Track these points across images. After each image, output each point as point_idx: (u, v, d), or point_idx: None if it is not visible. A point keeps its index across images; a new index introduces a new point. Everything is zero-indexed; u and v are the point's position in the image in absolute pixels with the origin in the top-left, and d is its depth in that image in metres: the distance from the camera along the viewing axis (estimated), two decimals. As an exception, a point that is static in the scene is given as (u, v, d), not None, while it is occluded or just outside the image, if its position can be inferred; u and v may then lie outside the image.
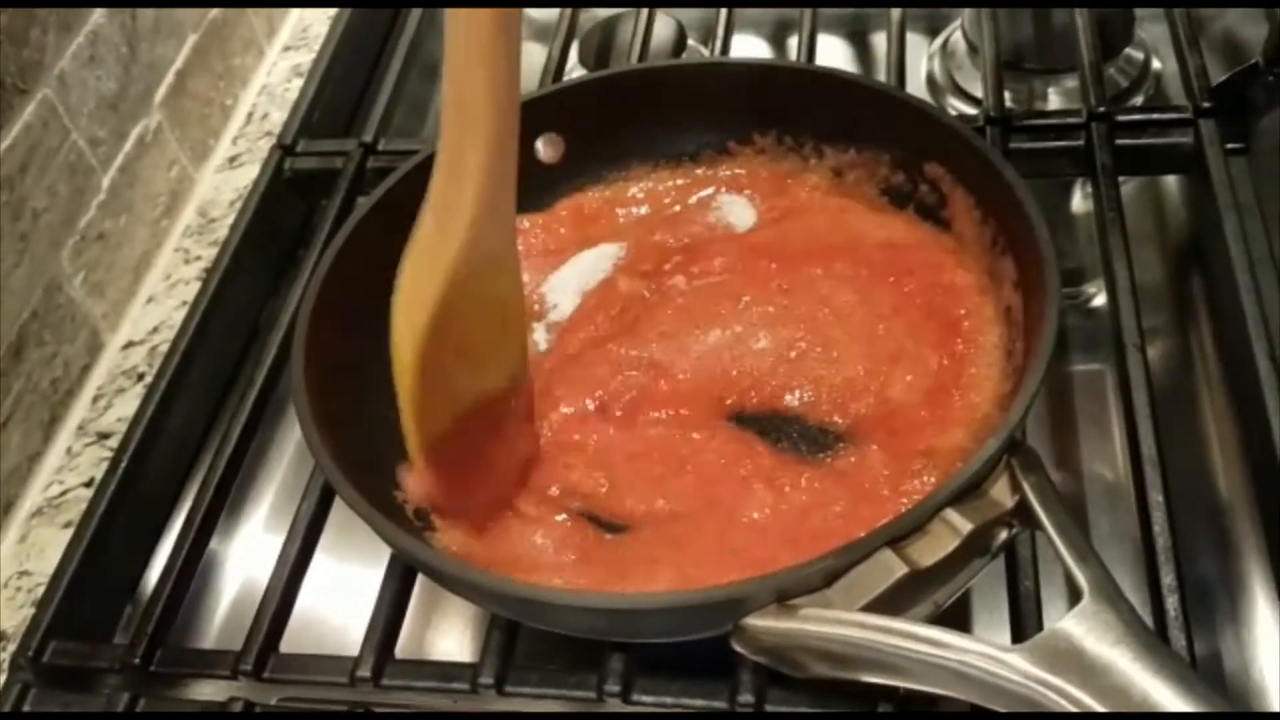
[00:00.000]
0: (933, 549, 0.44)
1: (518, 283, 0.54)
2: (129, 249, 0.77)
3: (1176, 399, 0.65)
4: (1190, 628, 0.50)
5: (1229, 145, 0.68)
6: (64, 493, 0.69)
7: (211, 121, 0.86)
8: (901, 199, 0.64)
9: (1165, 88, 0.81)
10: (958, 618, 0.47)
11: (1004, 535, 0.46)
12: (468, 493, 0.54)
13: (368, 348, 0.60)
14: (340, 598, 0.63)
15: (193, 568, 0.59)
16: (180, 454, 0.69)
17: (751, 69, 0.69)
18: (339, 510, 0.60)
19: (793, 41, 0.82)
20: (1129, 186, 0.72)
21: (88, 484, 0.69)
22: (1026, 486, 0.45)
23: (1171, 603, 0.50)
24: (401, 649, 0.55)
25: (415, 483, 0.54)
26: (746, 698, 0.49)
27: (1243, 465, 0.62)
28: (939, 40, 0.87)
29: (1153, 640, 0.39)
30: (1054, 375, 0.68)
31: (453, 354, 0.50)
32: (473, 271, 0.49)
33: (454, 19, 0.44)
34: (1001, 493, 0.46)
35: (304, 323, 0.56)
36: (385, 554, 0.56)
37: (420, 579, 0.56)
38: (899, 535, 0.44)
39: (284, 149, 0.77)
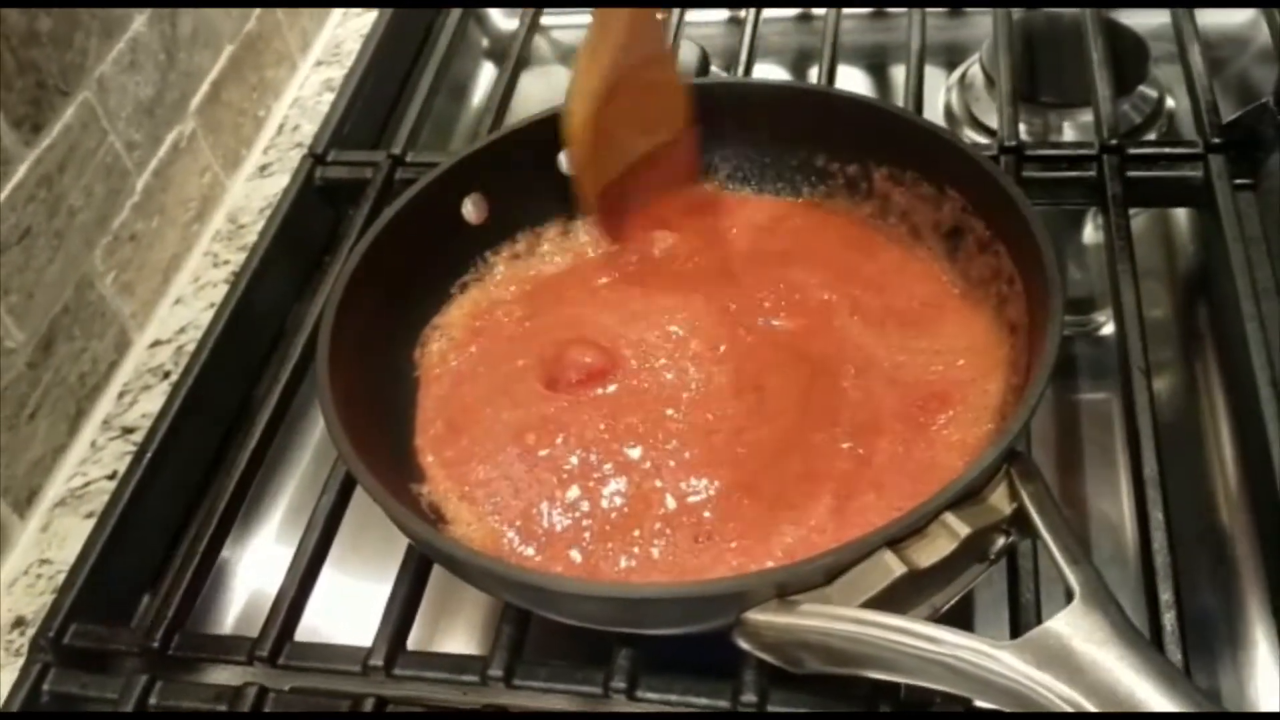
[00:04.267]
0: (931, 551, 0.45)
1: (671, 71, 0.69)
2: (159, 250, 0.79)
3: (1181, 432, 0.66)
4: (1186, 643, 0.51)
5: (1237, 181, 0.69)
6: (87, 484, 0.71)
7: (244, 131, 0.88)
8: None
9: (1178, 125, 0.82)
10: (959, 623, 0.47)
11: (1001, 542, 0.47)
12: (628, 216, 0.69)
13: (389, 348, 0.63)
14: (354, 596, 0.64)
15: (213, 557, 0.61)
16: (203, 450, 0.71)
17: (769, 89, 0.71)
18: (353, 513, 0.61)
19: (813, 71, 0.84)
20: (1138, 221, 0.73)
21: (110, 476, 0.70)
22: (1024, 494, 0.46)
23: (1169, 619, 0.51)
24: (413, 645, 0.56)
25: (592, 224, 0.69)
26: (749, 697, 0.51)
27: (1245, 498, 0.63)
28: (957, 73, 0.89)
29: (1140, 640, 0.40)
30: (1061, 404, 0.69)
31: (624, 123, 0.65)
32: (630, 63, 0.63)
33: None
34: (1000, 500, 0.47)
35: (330, 316, 0.57)
36: (398, 556, 0.58)
37: (433, 575, 0.57)
38: (898, 536, 0.45)
39: (315, 158, 0.80)
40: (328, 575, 0.62)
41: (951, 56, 0.91)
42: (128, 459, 0.67)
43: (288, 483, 0.72)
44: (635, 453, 0.57)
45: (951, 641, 0.41)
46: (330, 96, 0.89)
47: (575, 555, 0.54)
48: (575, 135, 0.64)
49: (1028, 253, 0.55)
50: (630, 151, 0.68)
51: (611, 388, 0.61)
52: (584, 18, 0.66)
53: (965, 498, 0.46)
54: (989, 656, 0.40)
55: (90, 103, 0.72)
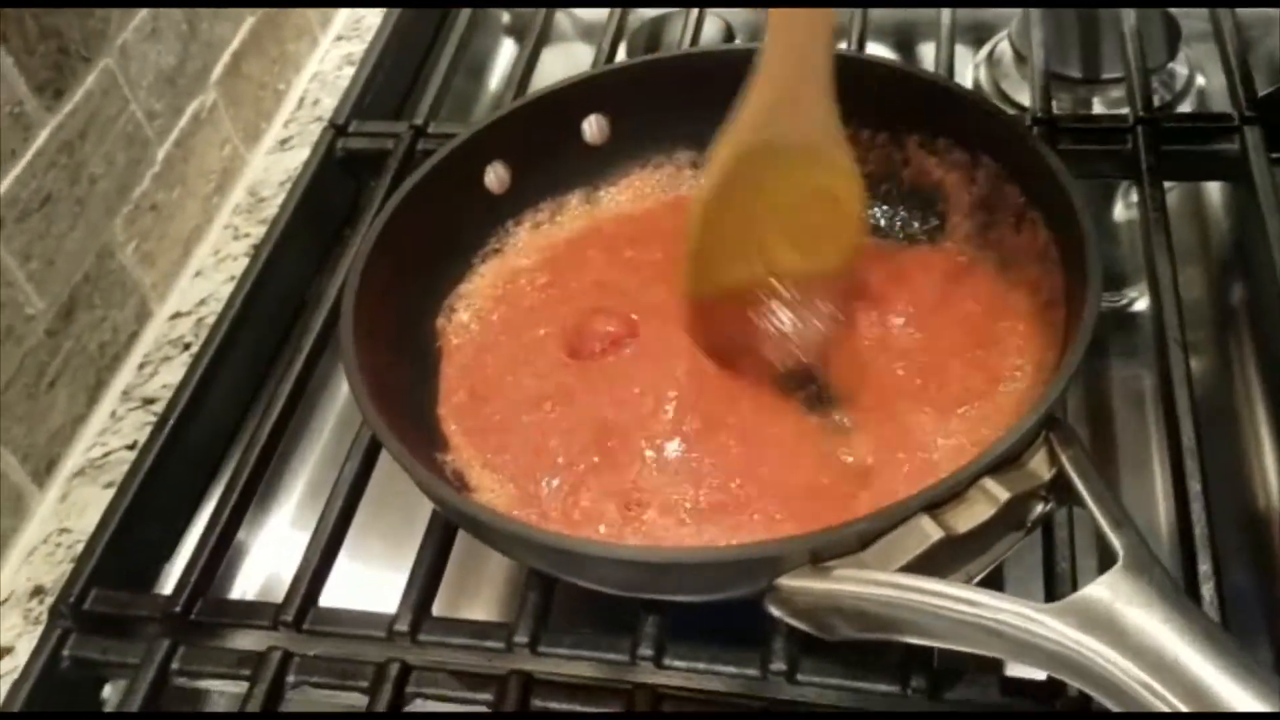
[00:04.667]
0: (969, 516, 0.44)
1: (847, 180, 0.57)
2: (180, 222, 0.79)
3: (1217, 415, 0.65)
4: (1226, 617, 0.50)
5: (1273, 155, 0.68)
6: (106, 454, 0.70)
7: (264, 104, 0.88)
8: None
9: (1208, 104, 0.81)
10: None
11: (1039, 509, 0.46)
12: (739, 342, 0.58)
13: (411, 318, 0.62)
14: (378, 569, 0.63)
15: (236, 523, 0.60)
16: (224, 421, 0.70)
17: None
18: (376, 489, 0.61)
19: (842, 45, 0.83)
20: (1172, 198, 0.72)
21: (130, 447, 0.70)
22: (1064, 459, 0.45)
23: (1207, 589, 0.50)
24: (438, 612, 0.56)
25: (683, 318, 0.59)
26: (779, 665, 0.50)
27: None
28: (985, 49, 0.88)
29: (1186, 604, 0.39)
30: (1092, 381, 0.69)
31: (764, 222, 0.56)
32: (775, 152, 0.54)
33: None
34: (1039, 465, 0.46)
35: (353, 284, 0.57)
36: (420, 531, 0.57)
37: (458, 542, 0.57)
38: (937, 501, 0.44)
39: (336, 129, 0.79)
40: (351, 549, 0.61)
41: (979, 34, 0.90)
42: (148, 430, 0.67)
43: (308, 459, 0.72)
44: (662, 418, 0.56)
45: (993, 605, 0.40)
46: (350, 71, 0.88)
47: (601, 528, 0.54)
48: (694, 208, 0.56)
49: (1062, 217, 0.54)
50: (763, 264, 0.57)
51: (630, 351, 0.60)
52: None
53: (1004, 463, 0.46)
54: (1032, 619, 0.39)
55: (111, 70, 0.72)
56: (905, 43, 0.92)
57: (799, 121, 0.54)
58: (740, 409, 0.57)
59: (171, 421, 0.65)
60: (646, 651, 0.51)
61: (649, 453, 0.56)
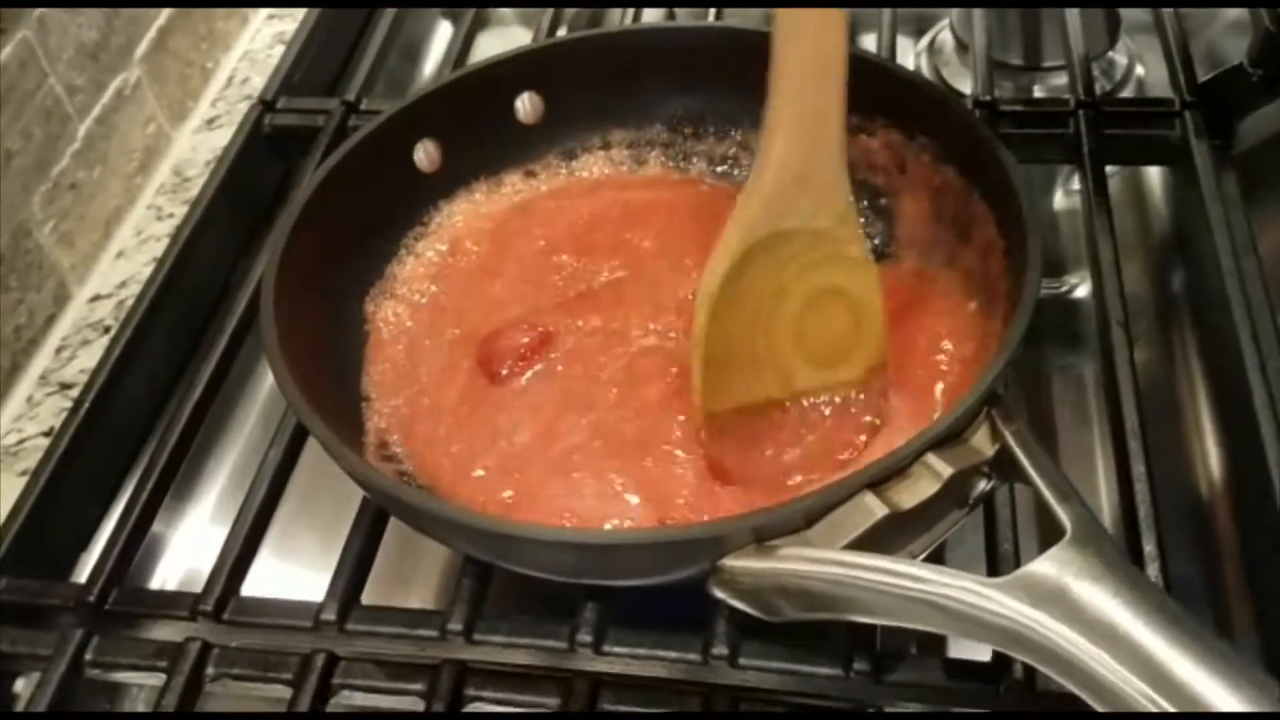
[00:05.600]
0: (913, 492, 0.43)
1: (863, 275, 0.51)
2: (101, 201, 0.76)
3: (1159, 404, 0.64)
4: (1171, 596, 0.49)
5: (1213, 142, 0.68)
6: (21, 441, 0.67)
7: (191, 82, 0.85)
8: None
9: (1148, 91, 0.81)
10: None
11: (982, 485, 0.45)
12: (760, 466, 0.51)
13: (338, 298, 0.60)
14: (304, 560, 0.62)
15: (153, 511, 0.57)
16: (143, 406, 0.67)
17: (730, 32, 0.68)
18: (304, 478, 0.59)
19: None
20: (1113, 187, 0.72)
21: (47, 433, 0.67)
22: (1007, 434, 0.44)
23: (1152, 570, 0.50)
24: (369, 602, 0.53)
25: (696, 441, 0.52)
26: (721, 650, 0.48)
27: (1225, 470, 0.61)
28: (926, 38, 0.87)
29: (1136, 575, 0.38)
30: (1033, 368, 0.68)
31: (776, 330, 0.50)
32: (783, 241, 0.48)
33: None
34: (982, 441, 0.45)
35: (274, 262, 0.54)
36: (349, 521, 0.55)
37: (394, 529, 0.55)
38: (880, 478, 0.43)
39: (264, 104, 0.76)
40: (280, 538, 0.60)
41: (920, 24, 0.90)
42: (65, 415, 0.64)
43: (233, 445, 0.69)
44: (594, 401, 0.55)
45: (941, 580, 0.39)
46: (282, 49, 0.86)
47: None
48: (697, 314, 0.49)
49: (1001, 191, 0.53)
50: (778, 381, 0.51)
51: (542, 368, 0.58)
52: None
53: (947, 439, 0.45)
54: (981, 594, 0.38)
55: (30, 41, 0.69)
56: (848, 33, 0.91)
57: (817, 201, 0.48)
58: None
59: (86, 406, 0.62)
60: (586, 638, 0.49)
61: (587, 433, 0.54)
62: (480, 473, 0.54)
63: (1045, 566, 0.39)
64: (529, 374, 0.58)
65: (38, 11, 0.69)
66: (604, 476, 0.52)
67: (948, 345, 0.55)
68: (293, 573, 0.62)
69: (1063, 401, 0.67)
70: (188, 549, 0.65)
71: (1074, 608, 0.37)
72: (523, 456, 0.54)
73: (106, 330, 0.72)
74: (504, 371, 0.57)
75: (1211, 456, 0.63)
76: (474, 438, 0.55)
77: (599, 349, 0.58)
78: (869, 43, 0.88)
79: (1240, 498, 0.59)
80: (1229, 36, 0.85)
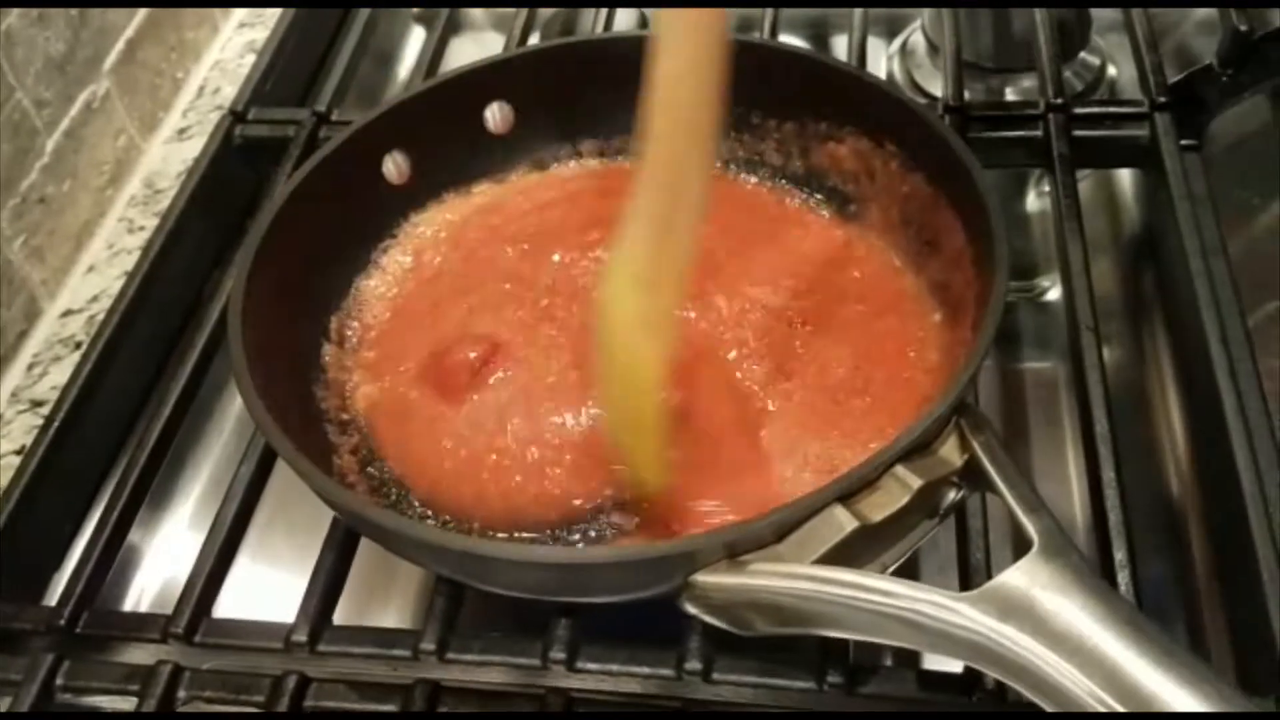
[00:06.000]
0: (883, 504, 0.43)
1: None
2: (71, 215, 0.75)
3: (1130, 405, 0.65)
4: (1142, 605, 0.49)
5: (1183, 142, 0.68)
6: (-8, 460, 0.67)
7: (162, 93, 0.84)
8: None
9: (1120, 92, 0.81)
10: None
11: (952, 496, 0.45)
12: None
13: (307, 313, 0.60)
14: (276, 581, 0.62)
15: (124, 531, 0.57)
16: (115, 423, 0.67)
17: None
18: (276, 497, 0.59)
19: (754, 37, 0.82)
20: (1083, 189, 0.72)
21: (19, 451, 0.66)
22: (976, 445, 0.44)
23: (1123, 578, 0.50)
24: (341, 622, 0.53)
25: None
26: (694, 665, 0.48)
27: (1196, 472, 0.61)
28: (898, 41, 0.87)
29: (1103, 588, 0.38)
30: (1004, 372, 0.68)
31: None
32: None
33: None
34: (950, 452, 0.45)
35: (242, 278, 0.54)
36: (320, 542, 0.54)
37: (366, 548, 0.54)
38: (849, 491, 0.43)
39: (235, 115, 0.76)
40: (253, 555, 0.59)
41: (892, 26, 0.90)
42: (36, 433, 0.63)
43: (205, 462, 0.69)
44: (560, 408, 0.55)
45: (909, 595, 0.39)
46: (253, 58, 0.85)
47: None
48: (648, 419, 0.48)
49: (969, 200, 0.53)
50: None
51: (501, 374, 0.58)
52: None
53: (915, 450, 0.45)
54: (948, 608, 0.38)
55: (-6, 56, 0.68)
56: (819, 35, 0.92)
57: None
58: None
59: (56, 424, 0.62)
60: (559, 655, 0.49)
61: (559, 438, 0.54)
62: (454, 476, 0.54)
63: (1013, 579, 0.39)
64: (491, 380, 0.57)
65: (3, 24, 0.69)
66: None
67: (912, 354, 0.55)
68: (270, 584, 0.61)
69: (1035, 403, 0.68)
70: (162, 563, 0.64)
71: (1041, 620, 0.38)
72: (488, 459, 0.54)
73: (78, 346, 0.72)
74: (460, 383, 0.57)
75: (1182, 457, 0.63)
76: (442, 447, 0.55)
77: (552, 355, 0.58)
78: (840, 44, 0.89)
79: (1210, 498, 0.60)
80: (1199, 36, 0.85)
